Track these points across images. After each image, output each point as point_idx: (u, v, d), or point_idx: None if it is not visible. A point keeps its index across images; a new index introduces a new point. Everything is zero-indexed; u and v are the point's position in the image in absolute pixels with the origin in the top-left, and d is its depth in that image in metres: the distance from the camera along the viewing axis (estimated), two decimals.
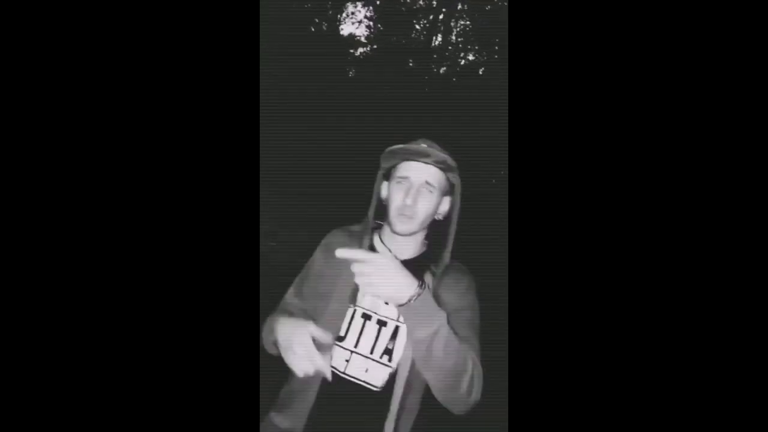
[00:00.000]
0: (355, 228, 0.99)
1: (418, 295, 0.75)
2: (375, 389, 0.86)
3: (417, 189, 0.88)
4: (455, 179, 0.92)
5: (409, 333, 0.79)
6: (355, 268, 0.73)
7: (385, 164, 0.94)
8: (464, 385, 0.79)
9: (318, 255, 1.00)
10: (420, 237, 0.96)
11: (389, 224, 0.93)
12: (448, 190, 0.94)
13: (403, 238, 0.93)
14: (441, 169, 0.90)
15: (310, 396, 0.87)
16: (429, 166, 0.89)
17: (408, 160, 0.90)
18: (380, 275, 0.73)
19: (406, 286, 0.74)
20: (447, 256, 0.93)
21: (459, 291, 0.91)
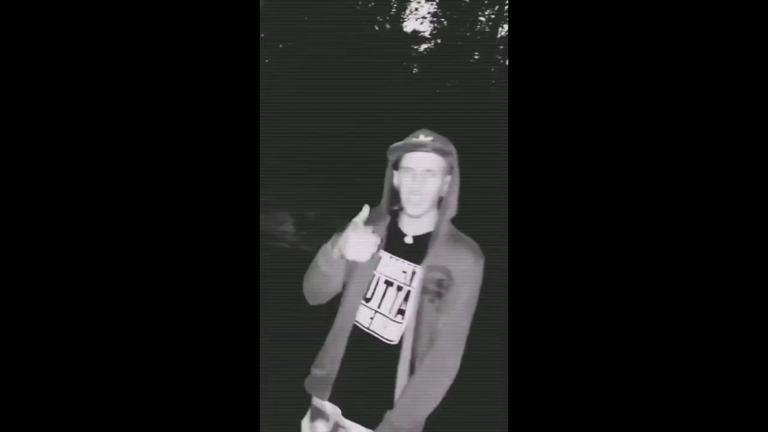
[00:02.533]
0: (374, 213, 1.17)
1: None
2: (391, 343, 1.05)
3: (421, 176, 1.05)
4: (453, 161, 1.09)
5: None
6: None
7: (392, 157, 1.11)
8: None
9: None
10: (431, 216, 1.12)
11: (404, 209, 1.10)
12: (449, 171, 1.10)
13: (417, 220, 1.10)
14: (438, 154, 1.06)
15: (341, 348, 1.08)
16: (428, 153, 1.06)
17: (410, 151, 1.07)
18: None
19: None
20: (445, 228, 1.09)
21: (465, 266, 1.04)
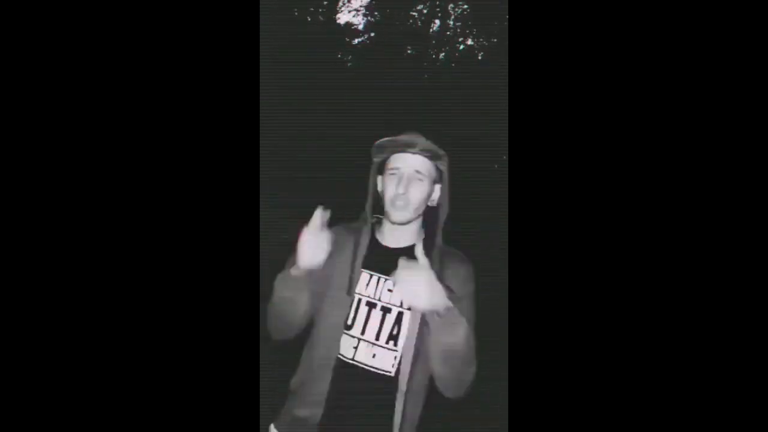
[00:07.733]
0: (354, 224, 1.04)
1: (448, 309, 0.80)
2: (388, 374, 0.90)
3: (408, 178, 0.94)
4: (443, 167, 0.98)
5: (434, 337, 0.84)
6: (398, 275, 0.80)
7: (376, 158, 1.00)
8: (470, 374, 0.88)
9: None
10: (416, 226, 1.01)
11: (386, 215, 0.98)
12: (438, 178, 1.00)
13: (401, 228, 0.98)
14: (428, 157, 0.96)
15: (325, 383, 0.91)
16: (417, 155, 0.95)
17: (397, 152, 0.96)
18: (418, 285, 0.79)
19: (439, 298, 0.80)
20: (439, 240, 0.99)
21: (459, 280, 0.95)
